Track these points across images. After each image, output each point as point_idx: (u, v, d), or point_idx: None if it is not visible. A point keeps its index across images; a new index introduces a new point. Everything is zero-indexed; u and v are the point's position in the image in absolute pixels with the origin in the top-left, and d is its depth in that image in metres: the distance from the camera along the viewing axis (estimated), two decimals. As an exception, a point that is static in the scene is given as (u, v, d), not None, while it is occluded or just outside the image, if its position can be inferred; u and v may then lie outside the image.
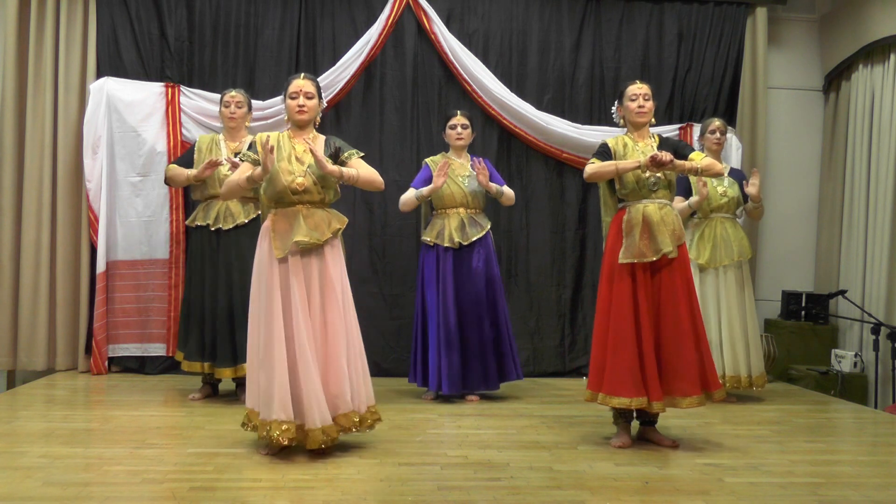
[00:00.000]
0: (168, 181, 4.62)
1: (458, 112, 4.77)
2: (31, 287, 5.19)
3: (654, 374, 3.48)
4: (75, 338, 5.26)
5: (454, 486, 2.95)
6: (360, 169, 3.44)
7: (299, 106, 3.39)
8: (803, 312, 5.92)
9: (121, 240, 5.23)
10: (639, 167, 3.53)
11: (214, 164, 4.34)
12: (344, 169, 3.38)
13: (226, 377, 4.41)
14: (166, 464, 3.15)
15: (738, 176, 5.00)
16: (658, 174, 3.57)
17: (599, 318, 3.64)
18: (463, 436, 3.76)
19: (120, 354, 5.24)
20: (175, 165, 4.57)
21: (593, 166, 3.60)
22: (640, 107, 3.65)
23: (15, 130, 5.22)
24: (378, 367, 5.39)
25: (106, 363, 5.17)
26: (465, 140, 4.73)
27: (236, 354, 4.33)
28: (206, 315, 4.40)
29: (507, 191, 4.73)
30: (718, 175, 3.72)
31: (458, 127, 4.71)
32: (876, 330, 5.34)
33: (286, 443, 3.17)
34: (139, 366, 5.26)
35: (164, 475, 2.99)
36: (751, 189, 4.73)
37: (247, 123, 4.59)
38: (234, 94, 4.54)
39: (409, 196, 4.62)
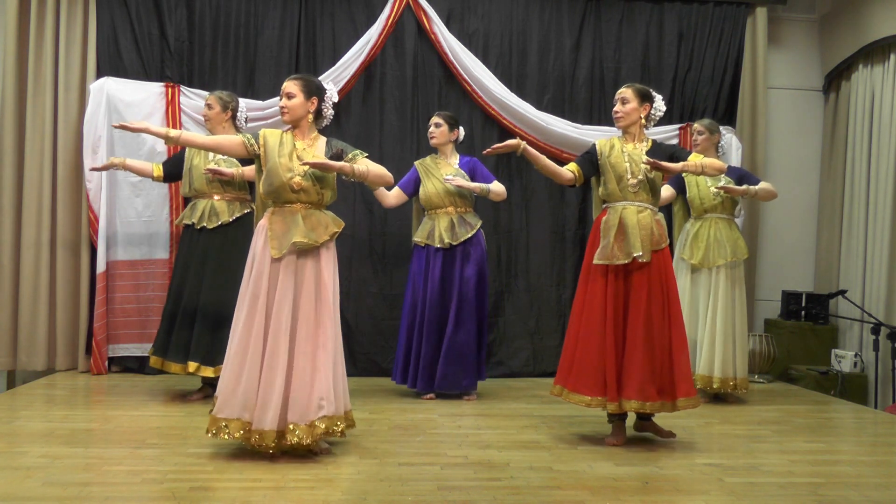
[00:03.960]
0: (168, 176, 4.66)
1: (437, 112, 4.82)
2: (31, 287, 5.19)
3: (613, 376, 3.52)
4: (75, 338, 5.26)
5: (454, 486, 2.95)
6: (369, 166, 3.45)
7: (280, 107, 3.43)
8: (803, 312, 5.93)
9: (121, 240, 5.22)
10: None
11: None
12: (355, 165, 3.39)
13: (173, 372, 4.37)
14: (166, 464, 3.15)
15: (735, 173, 4.88)
16: (640, 177, 3.59)
17: (573, 316, 3.72)
18: (463, 436, 3.76)
19: (120, 354, 5.24)
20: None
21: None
22: (615, 112, 3.73)
23: (15, 130, 5.21)
24: (378, 367, 5.40)
25: (106, 363, 5.16)
26: (438, 139, 4.72)
27: (188, 351, 4.31)
28: (170, 311, 4.40)
29: (495, 188, 4.66)
30: (720, 171, 3.71)
31: (431, 126, 4.74)
32: (876, 330, 5.34)
33: (243, 441, 3.22)
34: (139, 366, 5.25)
35: (164, 475, 2.99)
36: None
37: (224, 124, 4.51)
38: (208, 96, 4.57)
39: (389, 192, 4.74)
